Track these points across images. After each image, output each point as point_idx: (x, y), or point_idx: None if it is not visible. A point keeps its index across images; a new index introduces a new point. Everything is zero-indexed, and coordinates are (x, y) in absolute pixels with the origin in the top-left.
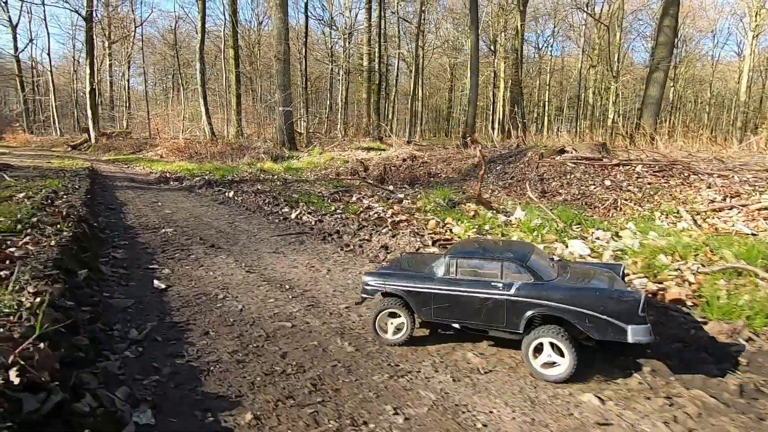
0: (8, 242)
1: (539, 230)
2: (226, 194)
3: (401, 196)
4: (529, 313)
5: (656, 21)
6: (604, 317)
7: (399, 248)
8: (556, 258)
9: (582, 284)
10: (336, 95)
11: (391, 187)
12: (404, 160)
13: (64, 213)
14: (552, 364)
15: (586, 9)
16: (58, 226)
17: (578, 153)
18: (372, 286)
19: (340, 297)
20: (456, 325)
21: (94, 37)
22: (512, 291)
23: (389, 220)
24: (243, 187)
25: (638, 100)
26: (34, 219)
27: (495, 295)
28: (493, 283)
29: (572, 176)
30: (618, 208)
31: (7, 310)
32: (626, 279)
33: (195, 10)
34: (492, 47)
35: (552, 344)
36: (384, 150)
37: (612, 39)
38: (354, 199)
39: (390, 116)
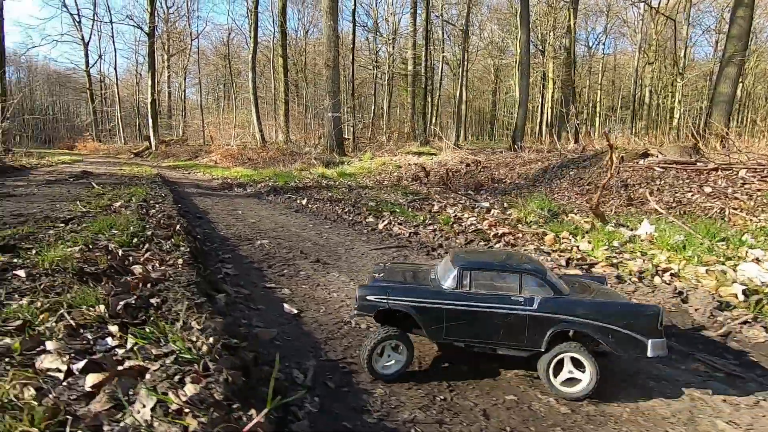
0: (130, 257)
1: (692, 248)
2: (299, 202)
3: (487, 204)
4: (552, 329)
5: (723, 12)
6: (626, 331)
7: None
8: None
9: (599, 298)
10: (379, 100)
11: (464, 194)
12: (467, 165)
13: (177, 227)
14: (573, 381)
15: (648, 2)
16: (173, 240)
17: (665, 156)
18: (371, 301)
19: None
20: (461, 344)
21: (155, 51)
22: (535, 306)
23: (491, 234)
24: (311, 194)
25: (701, 98)
26: (148, 232)
27: (517, 311)
28: (513, 298)
29: (662, 182)
30: (726, 219)
31: (186, 356)
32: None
33: (246, 23)
34: (541, 47)
35: (573, 359)
36: (434, 154)
37: (677, 33)
38: (436, 207)
39: (434, 120)
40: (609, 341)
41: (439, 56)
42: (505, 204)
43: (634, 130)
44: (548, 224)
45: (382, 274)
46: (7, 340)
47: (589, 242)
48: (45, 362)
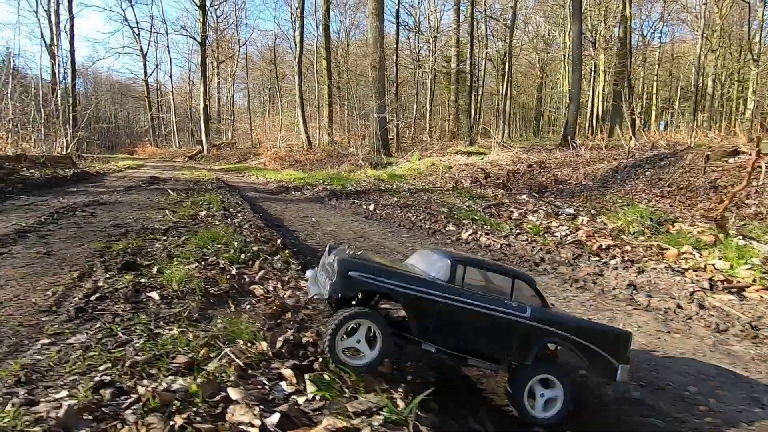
0: (245, 276)
1: None
2: (366, 207)
3: (571, 210)
4: (541, 341)
5: None
6: (603, 353)
7: (652, 288)
8: None
9: (574, 317)
10: (420, 99)
11: (541, 198)
12: (529, 165)
13: (278, 241)
14: (549, 403)
15: None
16: (280, 255)
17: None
18: (354, 279)
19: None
20: (430, 347)
21: (206, 58)
22: (528, 314)
23: (593, 245)
24: (375, 198)
25: None
26: (254, 248)
27: (512, 317)
28: (506, 302)
29: (763, 184)
30: None
31: (392, 415)
32: None
33: (290, 28)
34: (592, 38)
35: (542, 381)
36: (483, 154)
37: (750, 17)
38: (516, 215)
39: (477, 118)
40: (588, 361)
41: (483, 52)
42: (592, 210)
43: (696, 123)
44: (657, 236)
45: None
46: (181, 381)
47: (721, 258)
48: (236, 415)
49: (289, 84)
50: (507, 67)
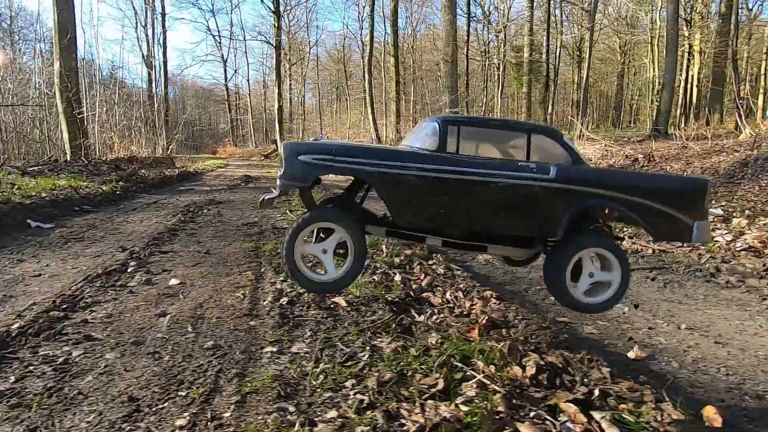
0: (411, 282)
1: None
2: None
3: (719, 211)
4: (573, 207)
5: None
6: (667, 209)
7: None
8: None
9: (623, 170)
10: (490, 92)
11: None
12: (634, 159)
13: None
14: (597, 287)
15: None
16: (435, 258)
17: None
18: (304, 164)
19: None
20: (436, 241)
21: (280, 61)
22: (552, 175)
23: None
24: None
25: None
26: (408, 251)
27: (526, 181)
28: (520, 164)
29: None
30: None
31: None
32: None
33: (357, 27)
34: (686, 16)
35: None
36: None
37: None
38: None
39: (550, 108)
40: (646, 222)
41: (558, 39)
42: (746, 211)
43: None
44: None
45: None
46: (444, 408)
47: None
48: None
49: (355, 83)
50: (587, 53)
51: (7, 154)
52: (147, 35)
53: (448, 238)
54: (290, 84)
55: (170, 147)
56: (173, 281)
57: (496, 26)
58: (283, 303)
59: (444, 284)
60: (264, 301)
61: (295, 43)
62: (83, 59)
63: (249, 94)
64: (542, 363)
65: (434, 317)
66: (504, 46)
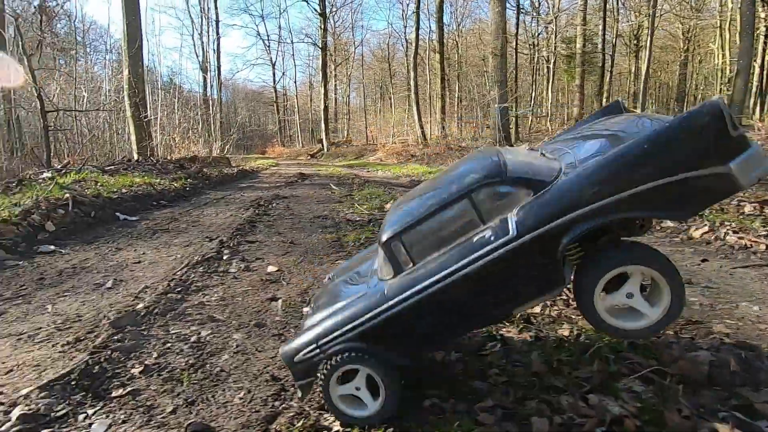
0: None
1: None
2: None
3: None
4: (560, 246)
5: None
6: (684, 173)
7: None
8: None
9: (617, 145)
10: (538, 86)
11: None
12: None
13: None
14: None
15: None
16: None
17: None
18: (305, 357)
19: None
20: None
21: (326, 62)
22: (512, 231)
23: None
24: None
25: None
26: None
27: (489, 255)
28: (476, 239)
29: None
30: None
31: None
32: None
33: (401, 26)
34: None
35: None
36: None
37: None
38: (749, 207)
39: (605, 101)
40: (667, 207)
41: (614, 28)
42: None
43: None
44: None
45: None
46: (609, 402)
47: None
48: None
49: (399, 81)
50: (646, 41)
51: (86, 155)
52: (202, 42)
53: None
54: (335, 84)
55: (226, 147)
56: (271, 268)
57: (546, 17)
58: None
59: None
60: None
61: (340, 44)
62: (147, 67)
63: (296, 96)
64: (713, 359)
65: (549, 308)
66: (555, 37)
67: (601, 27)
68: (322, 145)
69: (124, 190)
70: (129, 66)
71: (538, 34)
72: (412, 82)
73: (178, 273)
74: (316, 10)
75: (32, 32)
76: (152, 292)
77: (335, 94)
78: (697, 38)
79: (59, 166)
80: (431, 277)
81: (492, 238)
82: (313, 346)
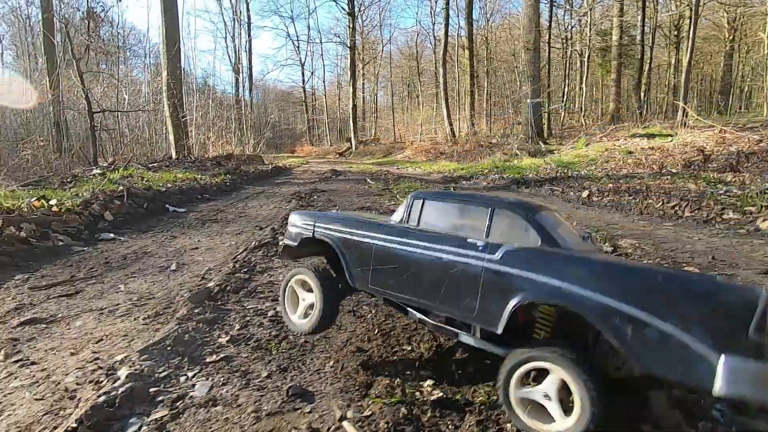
0: None
1: None
2: (577, 194)
3: None
4: (517, 298)
5: None
6: (672, 329)
7: None
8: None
9: (629, 262)
10: (571, 81)
11: None
12: None
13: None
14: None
15: None
16: None
17: None
18: (298, 227)
19: None
20: (414, 315)
21: (355, 62)
22: (497, 255)
23: None
24: (573, 184)
25: None
26: None
27: (467, 260)
28: (469, 241)
29: None
30: None
31: None
32: None
33: (430, 23)
34: None
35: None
36: (669, 135)
37: None
38: None
39: (644, 95)
40: (627, 342)
41: (654, 18)
42: None
43: None
44: None
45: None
46: None
47: None
48: None
49: (427, 79)
50: (688, 32)
51: (128, 154)
52: (235, 44)
53: (386, 297)
54: (363, 83)
55: (260, 146)
56: None
57: (580, 9)
58: None
59: None
60: None
61: (368, 43)
62: (183, 69)
63: (324, 95)
64: None
65: None
66: (590, 30)
67: (640, 18)
68: (350, 144)
69: (169, 185)
70: (168, 68)
71: (572, 27)
72: (441, 79)
73: (240, 256)
74: (344, 9)
75: (79, 37)
76: (217, 273)
77: (363, 93)
78: (744, 27)
79: (106, 164)
80: (421, 240)
81: (479, 248)
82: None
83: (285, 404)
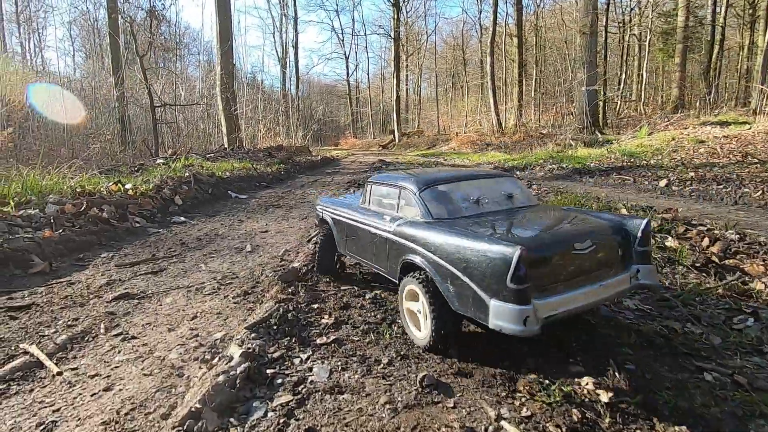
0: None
1: None
2: (653, 183)
3: None
4: (402, 258)
5: None
6: (467, 280)
7: None
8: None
9: (472, 229)
10: (629, 67)
11: None
12: None
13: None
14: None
15: None
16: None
17: None
18: (317, 209)
19: None
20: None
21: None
22: (392, 227)
23: None
24: (647, 174)
25: None
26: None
27: (380, 231)
28: (384, 217)
29: None
30: None
31: None
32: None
33: (475, 12)
34: None
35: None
36: (746, 123)
37: None
38: None
39: (715, 80)
40: (447, 291)
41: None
42: None
43: None
44: None
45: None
46: None
47: None
48: None
49: (471, 69)
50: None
51: (186, 146)
52: (282, 39)
53: (351, 257)
54: (407, 75)
55: (308, 137)
56: None
57: None
58: None
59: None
60: None
61: (412, 34)
62: (234, 64)
63: (368, 87)
64: None
65: None
66: (651, 11)
67: None
68: (394, 136)
69: (228, 173)
70: (221, 63)
71: (631, 10)
72: (488, 68)
73: (315, 239)
74: (389, 1)
75: (142, 35)
76: (296, 254)
77: (406, 85)
78: None
79: (167, 154)
80: (364, 216)
81: (388, 222)
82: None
83: (421, 396)
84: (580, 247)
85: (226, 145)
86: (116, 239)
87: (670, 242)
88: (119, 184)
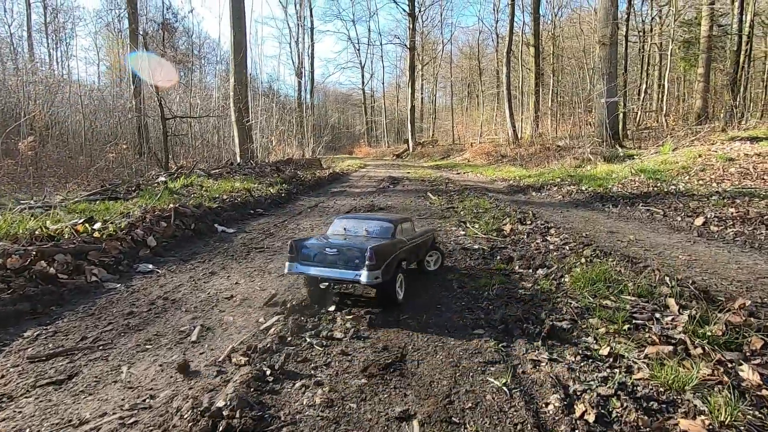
0: None
1: None
2: (687, 220)
3: None
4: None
5: None
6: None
7: None
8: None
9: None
10: (649, 78)
11: None
12: None
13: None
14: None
15: None
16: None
17: None
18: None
19: None
20: None
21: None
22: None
23: None
24: (676, 204)
25: None
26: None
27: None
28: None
29: None
30: None
31: None
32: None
33: (491, 21)
34: None
35: None
36: None
37: None
38: None
39: (742, 91)
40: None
41: (750, 5)
42: None
43: None
44: None
45: None
46: None
47: None
48: None
49: (487, 78)
50: None
51: (197, 158)
52: (298, 49)
53: None
54: (422, 84)
55: (318, 149)
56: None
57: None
58: None
59: None
60: None
61: (428, 43)
62: (250, 74)
63: (383, 97)
64: None
65: None
66: (673, 21)
67: (738, 3)
68: (408, 146)
69: (224, 197)
70: (234, 74)
71: (651, 19)
72: (504, 78)
73: (272, 330)
74: (405, 11)
75: (155, 47)
76: (239, 361)
77: (421, 94)
78: None
79: (174, 169)
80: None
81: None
82: None
83: None
84: None
85: (238, 158)
86: (60, 303)
87: (746, 373)
88: (86, 224)
